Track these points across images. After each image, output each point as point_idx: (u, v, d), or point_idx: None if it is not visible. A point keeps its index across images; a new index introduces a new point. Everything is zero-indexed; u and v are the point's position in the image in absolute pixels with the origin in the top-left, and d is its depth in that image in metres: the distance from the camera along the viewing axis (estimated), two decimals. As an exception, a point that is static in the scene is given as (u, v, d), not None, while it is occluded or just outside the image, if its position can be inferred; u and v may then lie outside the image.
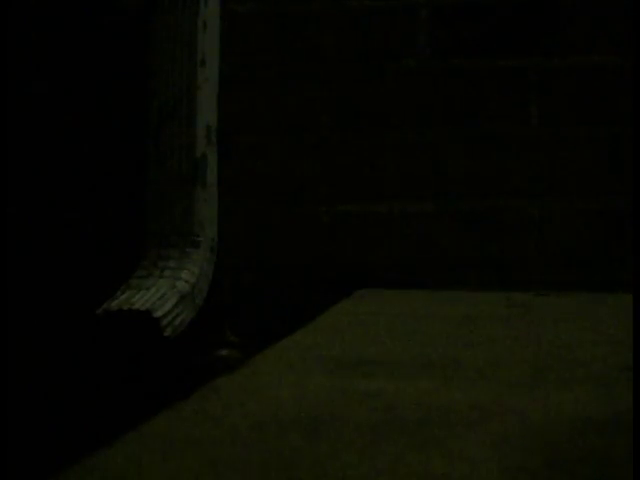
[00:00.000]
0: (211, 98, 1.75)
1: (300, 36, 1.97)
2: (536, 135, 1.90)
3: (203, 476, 0.49)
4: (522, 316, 1.37)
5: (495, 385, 0.78)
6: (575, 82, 1.89)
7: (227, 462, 0.52)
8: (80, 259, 1.51)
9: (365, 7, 1.96)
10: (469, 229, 1.91)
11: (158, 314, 1.33)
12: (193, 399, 0.72)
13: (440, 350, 0.98)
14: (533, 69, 1.92)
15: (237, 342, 1.20)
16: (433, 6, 1.93)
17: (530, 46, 1.90)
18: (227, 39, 1.86)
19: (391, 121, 1.95)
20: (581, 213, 1.88)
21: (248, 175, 1.95)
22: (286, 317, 1.50)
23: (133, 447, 0.54)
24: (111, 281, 1.44)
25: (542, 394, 0.75)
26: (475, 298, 1.67)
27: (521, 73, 1.91)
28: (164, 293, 1.41)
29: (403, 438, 0.60)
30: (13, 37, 1.31)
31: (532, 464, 0.56)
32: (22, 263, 1.35)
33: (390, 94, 1.96)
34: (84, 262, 1.52)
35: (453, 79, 1.93)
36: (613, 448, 0.59)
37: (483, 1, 1.93)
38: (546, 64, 1.92)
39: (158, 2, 1.68)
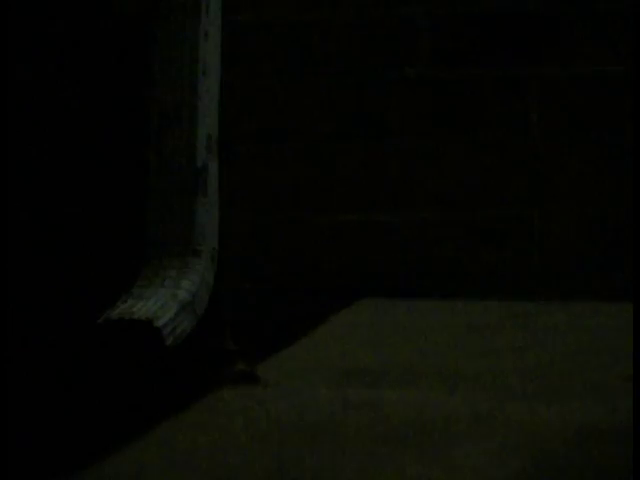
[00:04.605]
0: (212, 107, 1.75)
1: (301, 45, 1.97)
2: (536, 143, 1.90)
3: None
4: (523, 326, 1.37)
5: (496, 394, 0.78)
6: (575, 91, 1.90)
7: (229, 471, 0.52)
8: (81, 268, 1.51)
9: (366, 16, 1.96)
10: (470, 238, 1.91)
11: (159, 323, 1.33)
12: (196, 408, 0.72)
13: (441, 360, 0.99)
14: (534, 78, 1.92)
15: (238, 352, 1.20)
16: (434, 15, 1.93)
17: (531, 55, 1.91)
18: (227, 48, 1.86)
19: (392, 130, 1.95)
20: (582, 222, 1.88)
21: (249, 184, 1.95)
22: (287, 327, 1.50)
23: (136, 456, 0.54)
24: (112, 289, 1.44)
25: (543, 403, 0.75)
26: (476, 308, 1.67)
27: (521, 82, 1.91)
28: (165, 302, 1.41)
29: (404, 448, 0.60)
30: (12, 44, 1.32)
31: (533, 473, 0.56)
32: (23, 272, 1.35)
33: (391, 103, 1.96)
34: (85, 271, 1.52)
35: (453, 88, 1.93)
36: (613, 457, 0.59)
37: (484, 11, 1.94)
38: (547, 73, 1.92)
39: (159, 10, 1.68)
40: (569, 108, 1.90)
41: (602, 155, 1.88)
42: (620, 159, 1.86)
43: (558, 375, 0.89)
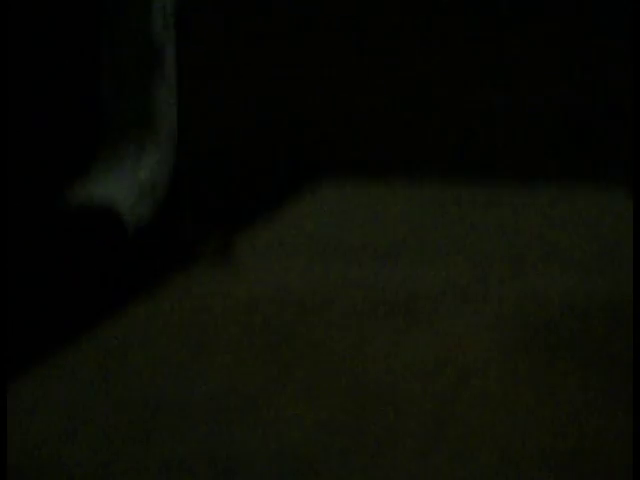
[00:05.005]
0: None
1: None
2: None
3: (195, 357, 0.47)
4: (495, 207, 1.35)
5: (476, 270, 0.76)
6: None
7: (215, 345, 0.50)
8: (37, 150, 1.46)
9: None
10: (432, 115, 1.88)
11: (118, 208, 1.29)
12: (170, 288, 0.69)
13: (418, 236, 0.96)
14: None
15: (208, 232, 1.17)
16: None
17: None
18: None
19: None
20: (550, 105, 1.86)
21: (207, 60, 1.89)
22: (255, 206, 1.48)
23: (116, 333, 0.51)
24: (70, 169, 1.39)
25: (522, 278, 0.73)
26: (447, 189, 1.64)
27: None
28: (124, 186, 1.37)
29: (395, 322, 0.58)
30: None
31: (528, 338, 0.55)
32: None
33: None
34: (41, 153, 1.46)
35: None
36: (593, 332, 0.58)
37: None
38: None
39: None
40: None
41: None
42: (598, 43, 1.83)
43: (536, 253, 0.87)
